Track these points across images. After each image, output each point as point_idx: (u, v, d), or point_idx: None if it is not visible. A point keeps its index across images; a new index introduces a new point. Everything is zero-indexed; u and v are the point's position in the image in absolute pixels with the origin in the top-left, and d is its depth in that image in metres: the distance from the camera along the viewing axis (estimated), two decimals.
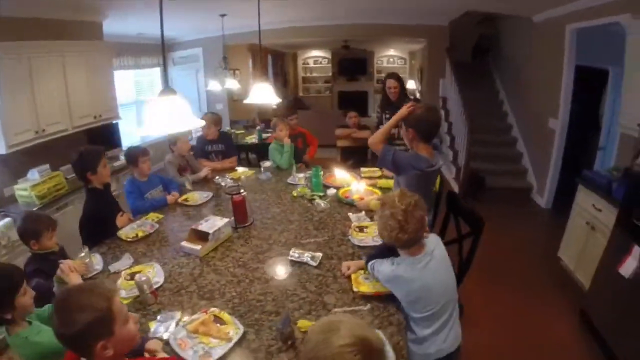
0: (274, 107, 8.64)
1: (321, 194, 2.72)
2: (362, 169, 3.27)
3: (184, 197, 2.79)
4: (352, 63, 11.48)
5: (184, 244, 2.00)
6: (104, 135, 4.26)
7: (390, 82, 3.39)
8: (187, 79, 7.11)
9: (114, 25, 4.46)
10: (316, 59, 11.79)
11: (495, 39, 6.89)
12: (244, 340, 1.37)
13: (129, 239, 2.16)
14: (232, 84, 6.03)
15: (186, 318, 1.47)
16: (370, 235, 2.07)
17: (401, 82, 3.42)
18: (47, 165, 3.38)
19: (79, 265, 1.64)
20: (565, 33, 4.05)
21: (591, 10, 3.51)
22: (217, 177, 3.13)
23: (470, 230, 2.02)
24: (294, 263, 1.87)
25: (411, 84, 10.92)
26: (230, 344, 1.31)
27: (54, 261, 1.66)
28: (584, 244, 2.99)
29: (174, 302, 1.61)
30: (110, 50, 4.43)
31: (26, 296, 1.29)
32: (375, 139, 2.18)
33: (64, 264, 1.56)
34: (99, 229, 2.20)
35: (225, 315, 1.44)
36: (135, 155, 2.68)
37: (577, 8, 3.74)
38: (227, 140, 3.75)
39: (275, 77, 9.61)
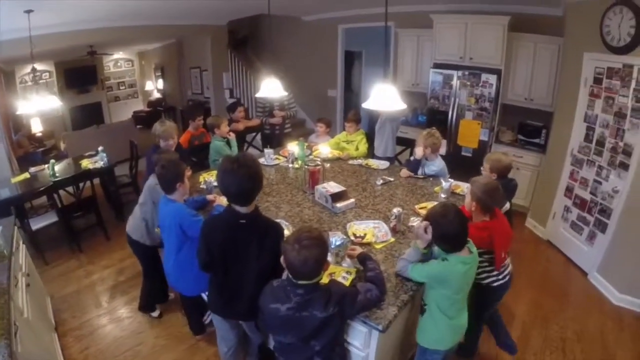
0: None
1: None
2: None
3: None
4: (80, 73, 9.60)
5: (340, 204, 2.47)
6: None
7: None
8: None
9: None
10: (35, 74, 8.95)
11: (248, 32, 8.29)
12: None
13: None
14: (49, 102, 4.38)
15: None
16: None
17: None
18: None
19: None
20: (338, 31, 6.13)
21: (360, 17, 5.62)
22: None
23: None
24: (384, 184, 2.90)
25: (149, 85, 10.65)
26: None
27: None
28: None
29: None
30: None
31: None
32: None
33: None
34: None
35: None
36: (181, 169, 2.05)
37: (348, 15, 5.82)
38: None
39: None
